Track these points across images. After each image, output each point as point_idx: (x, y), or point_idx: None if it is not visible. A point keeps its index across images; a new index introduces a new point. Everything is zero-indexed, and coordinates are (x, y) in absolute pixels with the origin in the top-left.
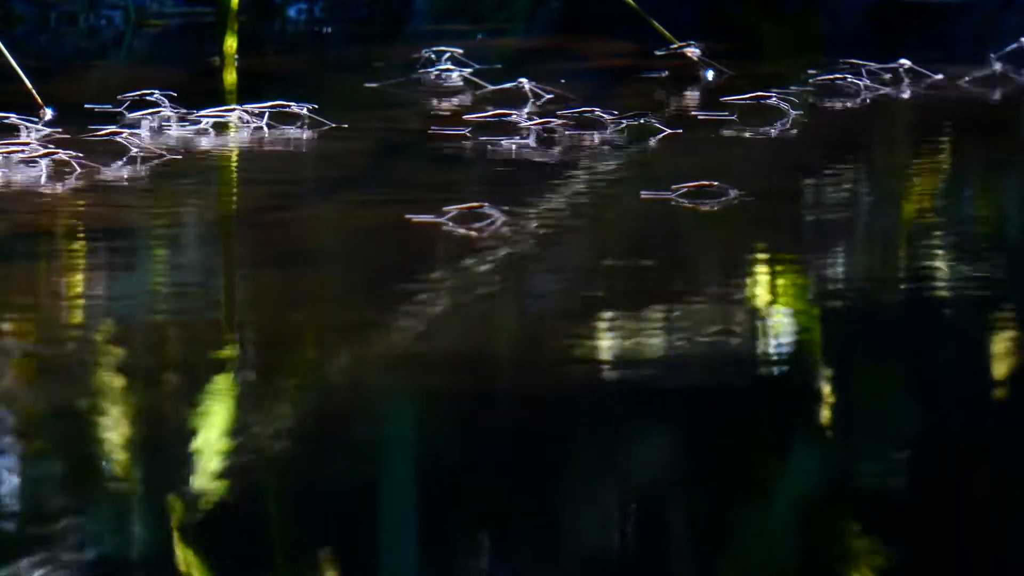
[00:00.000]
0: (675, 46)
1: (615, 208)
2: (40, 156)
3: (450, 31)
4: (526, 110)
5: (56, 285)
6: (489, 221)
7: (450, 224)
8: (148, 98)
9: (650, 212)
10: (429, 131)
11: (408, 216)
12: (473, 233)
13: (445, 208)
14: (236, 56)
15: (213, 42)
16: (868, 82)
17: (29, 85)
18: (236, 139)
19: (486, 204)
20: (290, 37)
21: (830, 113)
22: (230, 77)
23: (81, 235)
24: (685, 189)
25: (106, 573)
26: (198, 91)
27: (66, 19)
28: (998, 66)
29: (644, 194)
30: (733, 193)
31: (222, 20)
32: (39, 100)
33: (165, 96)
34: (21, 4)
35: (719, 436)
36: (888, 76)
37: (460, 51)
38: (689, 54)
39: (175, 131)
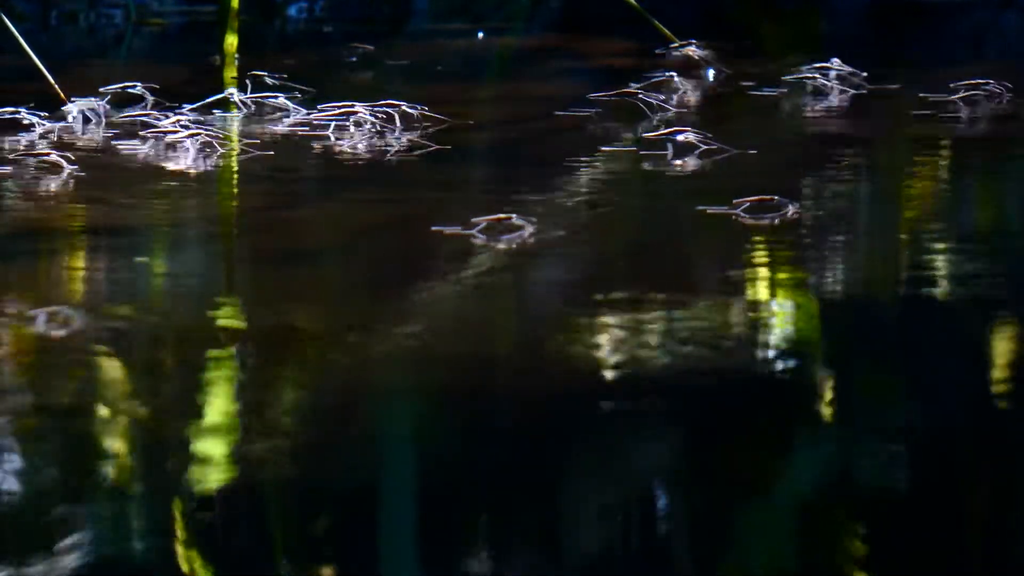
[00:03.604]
0: (676, 45)
1: (616, 211)
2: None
3: (450, 30)
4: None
5: (53, 283)
6: (517, 233)
7: (480, 236)
8: (130, 90)
9: (650, 215)
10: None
11: (436, 228)
12: (502, 246)
13: (474, 220)
14: (236, 55)
15: (213, 41)
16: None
17: (51, 80)
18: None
19: (514, 215)
20: (290, 36)
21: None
22: (230, 76)
23: (81, 233)
24: (747, 203)
25: (106, 572)
26: (198, 90)
27: (67, 18)
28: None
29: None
30: (792, 207)
31: (222, 19)
32: (63, 95)
33: (147, 89)
34: (22, 2)
35: (720, 436)
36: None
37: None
38: (690, 53)
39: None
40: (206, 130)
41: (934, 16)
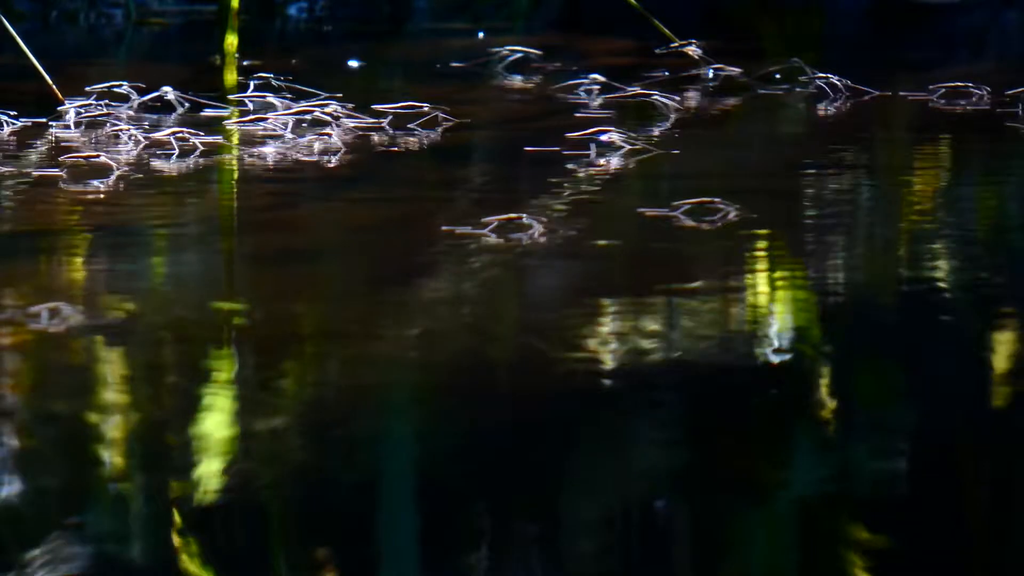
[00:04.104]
0: (676, 44)
1: (610, 214)
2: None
3: (450, 30)
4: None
5: (53, 282)
6: (528, 232)
7: (492, 236)
8: (116, 89)
9: (649, 217)
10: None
11: (446, 227)
12: (510, 243)
13: (485, 219)
14: (236, 55)
15: (213, 41)
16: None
17: (49, 80)
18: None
19: (524, 215)
20: (290, 36)
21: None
22: (230, 76)
23: (80, 231)
24: (688, 205)
25: (105, 572)
26: (199, 90)
27: (67, 17)
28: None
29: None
30: (732, 210)
31: (222, 18)
32: (60, 95)
33: (134, 88)
34: (22, 2)
35: (720, 436)
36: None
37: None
38: (690, 53)
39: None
40: (190, 131)
41: (934, 16)
